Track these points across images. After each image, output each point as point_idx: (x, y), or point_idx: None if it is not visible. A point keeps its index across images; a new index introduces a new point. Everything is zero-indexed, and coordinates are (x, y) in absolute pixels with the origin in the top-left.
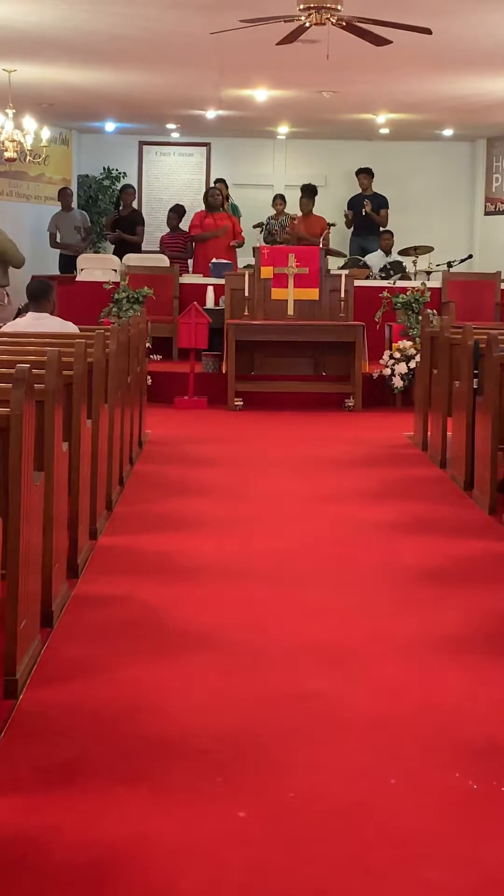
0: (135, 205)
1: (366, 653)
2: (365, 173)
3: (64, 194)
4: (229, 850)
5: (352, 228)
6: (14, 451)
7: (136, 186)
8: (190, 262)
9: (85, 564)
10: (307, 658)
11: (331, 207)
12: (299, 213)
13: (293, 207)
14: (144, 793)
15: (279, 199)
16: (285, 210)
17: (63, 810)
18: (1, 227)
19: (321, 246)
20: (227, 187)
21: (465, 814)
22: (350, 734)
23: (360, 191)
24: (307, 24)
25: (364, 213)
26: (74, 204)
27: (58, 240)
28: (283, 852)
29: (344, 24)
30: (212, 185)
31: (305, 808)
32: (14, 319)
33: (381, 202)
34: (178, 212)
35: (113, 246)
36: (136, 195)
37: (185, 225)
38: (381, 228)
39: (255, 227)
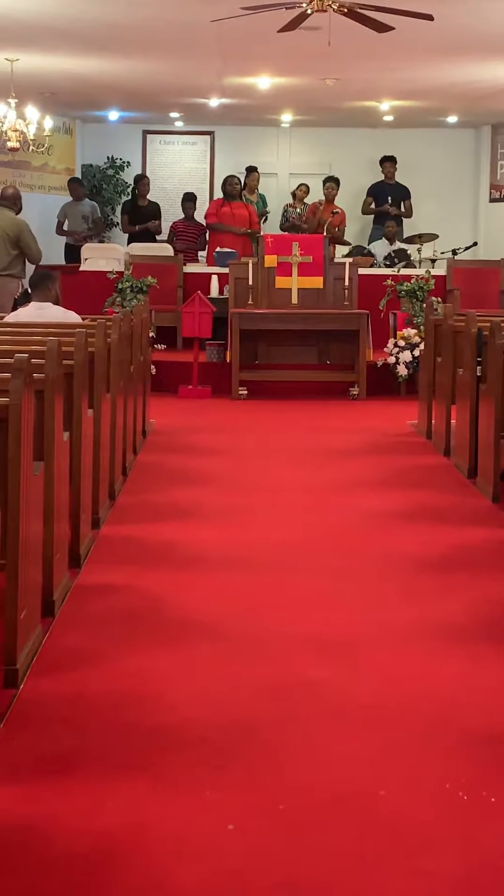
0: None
1: (367, 642)
2: (390, 162)
3: (74, 185)
4: (228, 838)
5: (373, 216)
6: (13, 441)
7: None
8: (201, 254)
9: (87, 554)
10: (308, 647)
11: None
12: (321, 200)
13: (312, 196)
14: (144, 782)
15: (304, 187)
16: (305, 199)
17: (63, 799)
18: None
19: (325, 233)
20: (258, 177)
21: (465, 802)
22: (350, 723)
23: (382, 178)
24: (309, 11)
25: (391, 213)
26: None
27: (65, 227)
28: (281, 841)
29: (345, 10)
30: (240, 172)
31: (304, 797)
32: (15, 309)
33: (403, 193)
34: (193, 200)
35: (126, 235)
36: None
37: (198, 214)
38: (387, 217)
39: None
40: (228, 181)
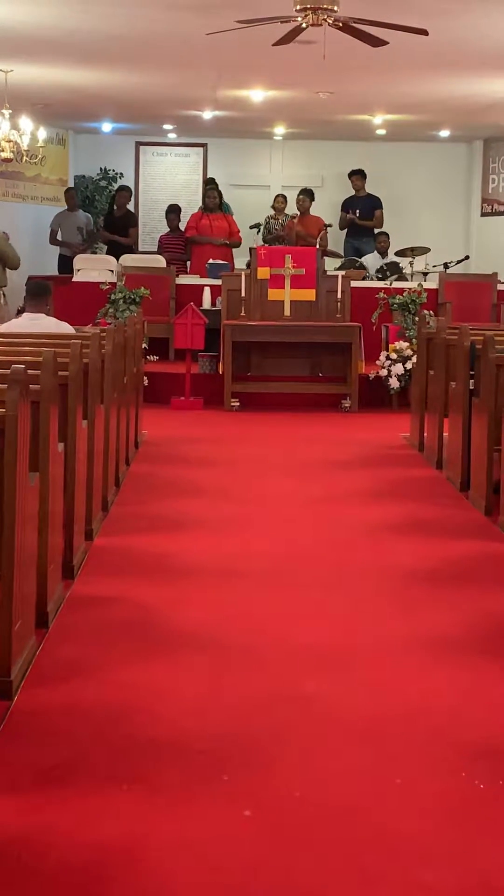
0: (129, 206)
1: (361, 654)
2: (358, 175)
3: (69, 194)
4: (224, 850)
5: (345, 230)
6: (9, 452)
7: (132, 187)
8: (188, 263)
9: (80, 565)
10: (302, 659)
11: (328, 208)
12: (297, 213)
13: (292, 207)
14: (140, 794)
15: (281, 198)
16: (285, 210)
17: (58, 811)
18: None
19: (318, 246)
20: (217, 187)
21: (462, 816)
22: (345, 735)
23: (354, 192)
24: (303, 25)
25: (353, 223)
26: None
27: (58, 237)
28: (278, 853)
29: (340, 24)
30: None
31: (301, 809)
32: (11, 320)
33: (374, 203)
34: (177, 212)
35: (106, 247)
36: (132, 197)
37: (183, 225)
38: (377, 230)
39: (251, 227)
40: (207, 194)
